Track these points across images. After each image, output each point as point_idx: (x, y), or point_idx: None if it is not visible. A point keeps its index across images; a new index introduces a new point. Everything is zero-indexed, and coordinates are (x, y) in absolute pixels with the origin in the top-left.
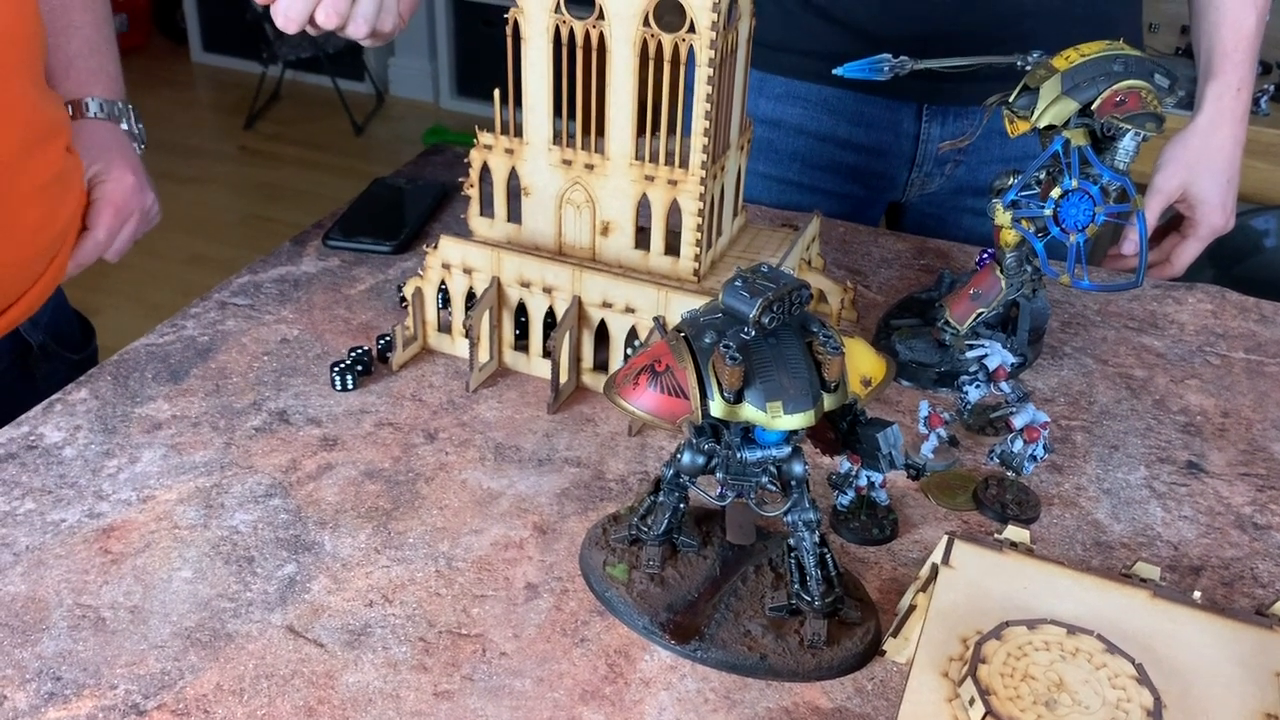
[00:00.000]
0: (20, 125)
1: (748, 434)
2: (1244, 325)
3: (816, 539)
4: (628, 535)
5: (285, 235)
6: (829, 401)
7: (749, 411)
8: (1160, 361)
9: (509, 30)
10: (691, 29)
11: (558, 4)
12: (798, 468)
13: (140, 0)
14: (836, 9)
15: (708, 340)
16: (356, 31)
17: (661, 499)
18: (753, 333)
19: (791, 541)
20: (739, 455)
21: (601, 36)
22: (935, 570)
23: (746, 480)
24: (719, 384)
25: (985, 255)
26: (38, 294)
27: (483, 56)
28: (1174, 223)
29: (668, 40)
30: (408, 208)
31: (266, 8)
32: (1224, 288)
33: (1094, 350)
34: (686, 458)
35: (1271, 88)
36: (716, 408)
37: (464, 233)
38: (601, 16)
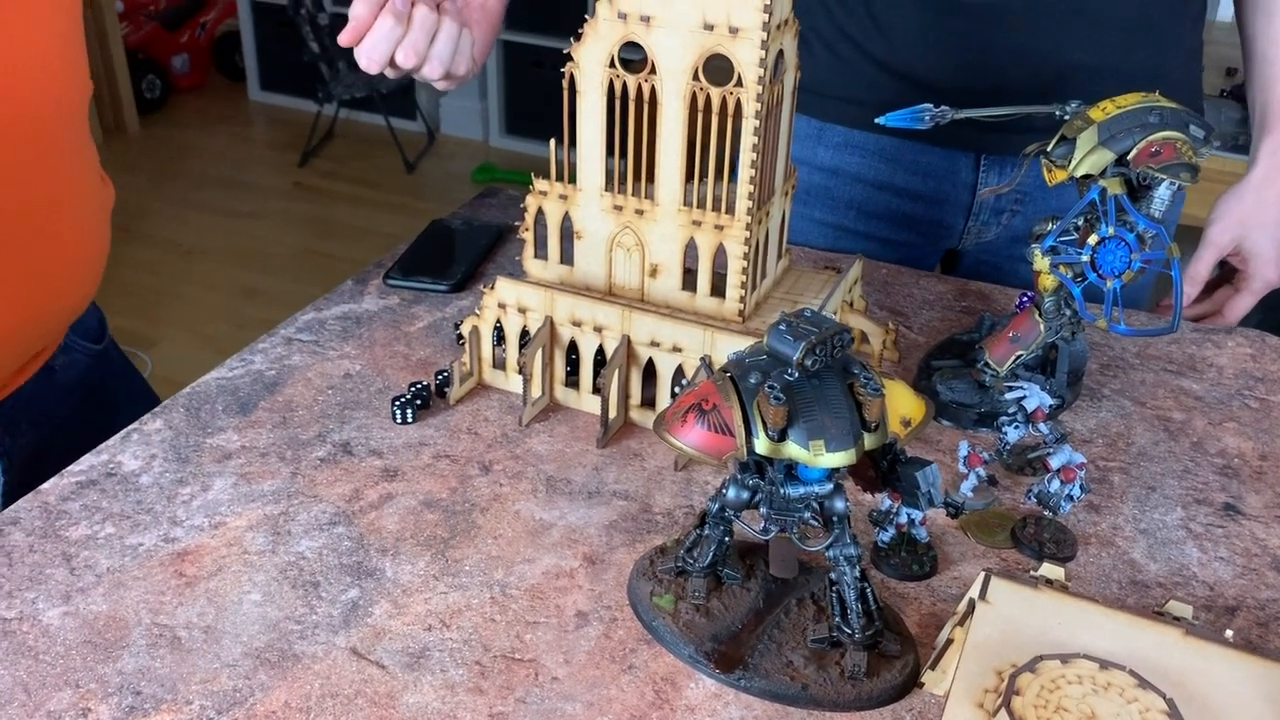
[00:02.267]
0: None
1: (791, 471)
2: None
3: (857, 573)
4: (674, 567)
5: (338, 270)
6: (869, 441)
7: (792, 449)
8: (1199, 404)
9: (565, 83)
10: (739, 83)
11: (612, 59)
12: (839, 504)
13: (200, 41)
14: (895, 60)
15: (753, 380)
16: (432, 72)
17: (707, 532)
18: (796, 374)
19: (833, 575)
20: (782, 491)
21: (653, 90)
22: (972, 605)
23: (789, 515)
24: (764, 422)
25: (1025, 299)
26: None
27: (531, 96)
28: (1227, 275)
29: (716, 93)
30: (464, 248)
31: (325, 50)
32: (1265, 332)
33: (1132, 392)
34: (731, 492)
35: None
36: (761, 445)
37: (518, 273)
38: (654, 71)
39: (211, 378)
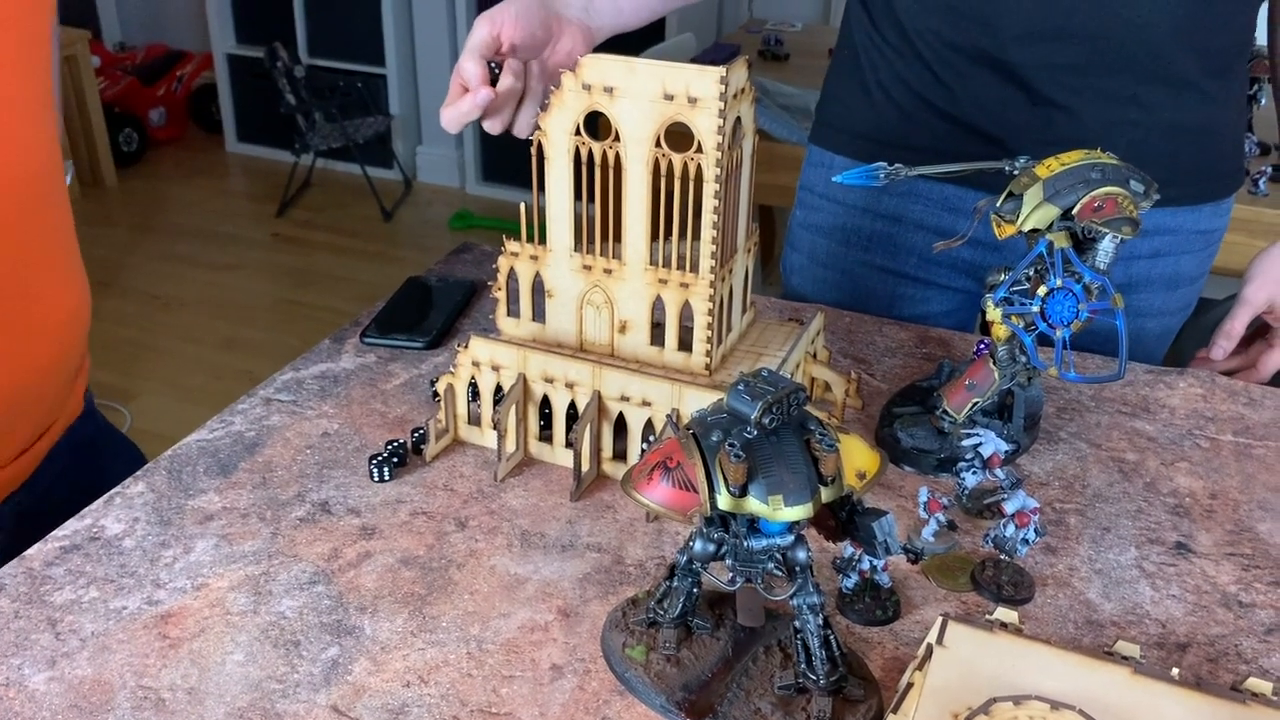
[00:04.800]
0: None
1: (754, 524)
2: (1233, 409)
3: (820, 621)
4: (645, 618)
5: (317, 319)
6: (826, 494)
7: (753, 504)
8: (1151, 445)
9: (533, 150)
10: (699, 149)
11: (577, 128)
12: (801, 554)
13: (177, 95)
14: (957, 109)
15: (714, 438)
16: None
17: (676, 584)
18: (755, 432)
19: (797, 624)
20: (746, 544)
21: (618, 156)
22: (930, 650)
23: (754, 567)
24: (725, 479)
25: (982, 345)
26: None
27: (507, 144)
28: (1260, 331)
29: (678, 159)
30: (439, 305)
31: (302, 102)
32: (1214, 374)
33: (1088, 435)
34: (698, 545)
35: (1269, 169)
36: (723, 501)
37: (491, 329)
38: (617, 138)
39: (193, 440)
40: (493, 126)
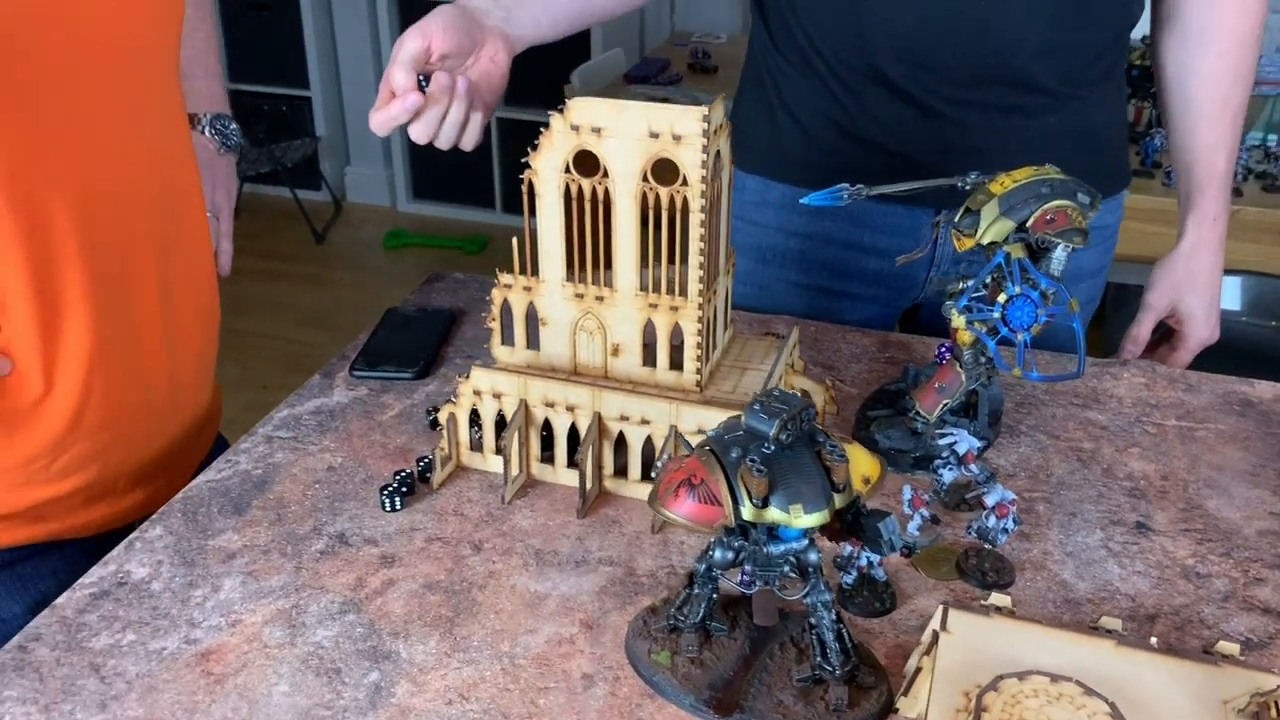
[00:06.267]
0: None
1: (772, 531)
2: (1174, 395)
3: (833, 616)
4: (667, 625)
5: (257, 347)
6: (839, 500)
7: (774, 514)
8: (1104, 433)
9: (525, 188)
10: (684, 182)
11: (567, 165)
12: (813, 556)
13: None
14: (856, 127)
15: (734, 455)
16: (440, 145)
17: (696, 590)
18: (773, 447)
19: (812, 620)
20: (765, 550)
21: (607, 191)
22: (936, 636)
23: (772, 570)
24: (748, 492)
25: (943, 349)
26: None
27: (437, 161)
28: (1165, 334)
29: (664, 192)
30: (422, 335)
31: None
32: (1154, 362)
33: (1046, 427)
34: (718, 554)
35: None
36: (747, 512)
37: (476, 356)
38: (606, 175)
39: (202, 481)
40: (419, 134)
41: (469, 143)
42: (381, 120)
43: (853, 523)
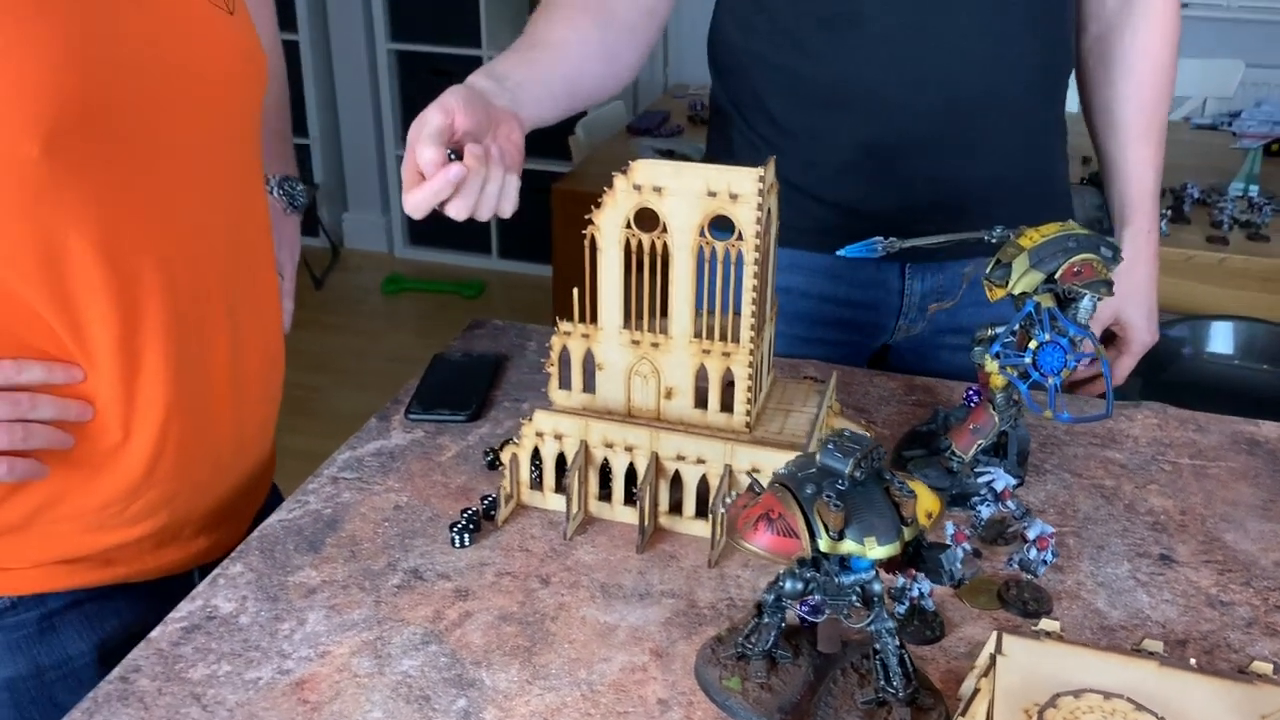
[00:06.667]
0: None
1: (844, 562)
2: (1185, 435)
3: (896, 642)
4: (734, 652)
5: None
6: (908, 533)
7: (849, 545)
8: (1124, 471)
9: (586, 243)
10: (739, 237)
11: (628, 222)
12: (877, 587)
13: None
14: (828, 193)
15: (809, 491)
16: (479, 217)
17: (766, 619)
18: (847, 484)
19: (877, 646)
20: (837, 580)
21: (665, 245)
22: (993, 659)
23: (841, 600)
24: (825, 525)
25: (971, 393)
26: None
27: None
28: (1109, 341)
29: (720, 246)
30: (470, 379)
31: None
32: (1165, 404)
33: (1069, 466)
34: (789, 585)
35: (1169, 211)
36: (824, 544)
37: (523, 398)
38: (665, 229)
39: (275, 520)
40: (460, 209)
41: (508, 209)
42: (422, 199)
43: (914, 554)
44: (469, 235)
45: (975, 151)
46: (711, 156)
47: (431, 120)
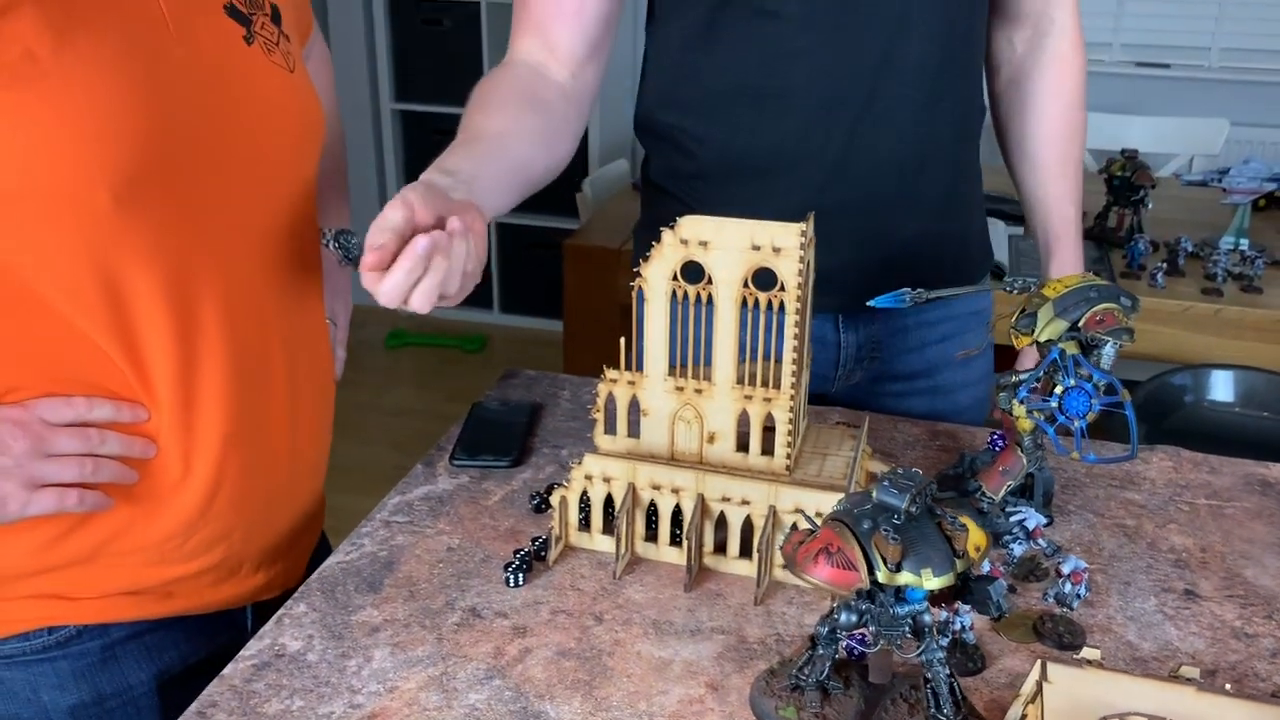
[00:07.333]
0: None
1: (899, 594)
2: (1200, 477)
3: (946, 671)
4: (789, 684)
5: None
6: (960, 565)
7: (906, 577)
8: (1144, 511)
9: (634, 294)
10: (782, 288)
11: (675, 274)
12: (928, 618)
13: None
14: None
15: (866, 526)
16: (446, 304)
17: (820, 651)
18: (903, 519)
19: (928, 674)
20: (892, 611)
21: (710, 296)
22: (1040, 686)
23: (895, 630)
24: (883, 558)
25: (997, 438)
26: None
27: None
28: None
29: (763, 297)
30: (509, 427)
31: None
32: (1178, 448)
33: (1092, 506)
34: (844, 616)
35: (1165, 264)
36: (882, 576)
37: (561, 444)
38: (710, 281)
39: (333, 562)
40: (427, 293)
41: (470, 285)
42: (395, 282)
43: (962, 587)
44: (471, 291)
45: (904, 208)
46: (645, 228)
47: (392, 216)
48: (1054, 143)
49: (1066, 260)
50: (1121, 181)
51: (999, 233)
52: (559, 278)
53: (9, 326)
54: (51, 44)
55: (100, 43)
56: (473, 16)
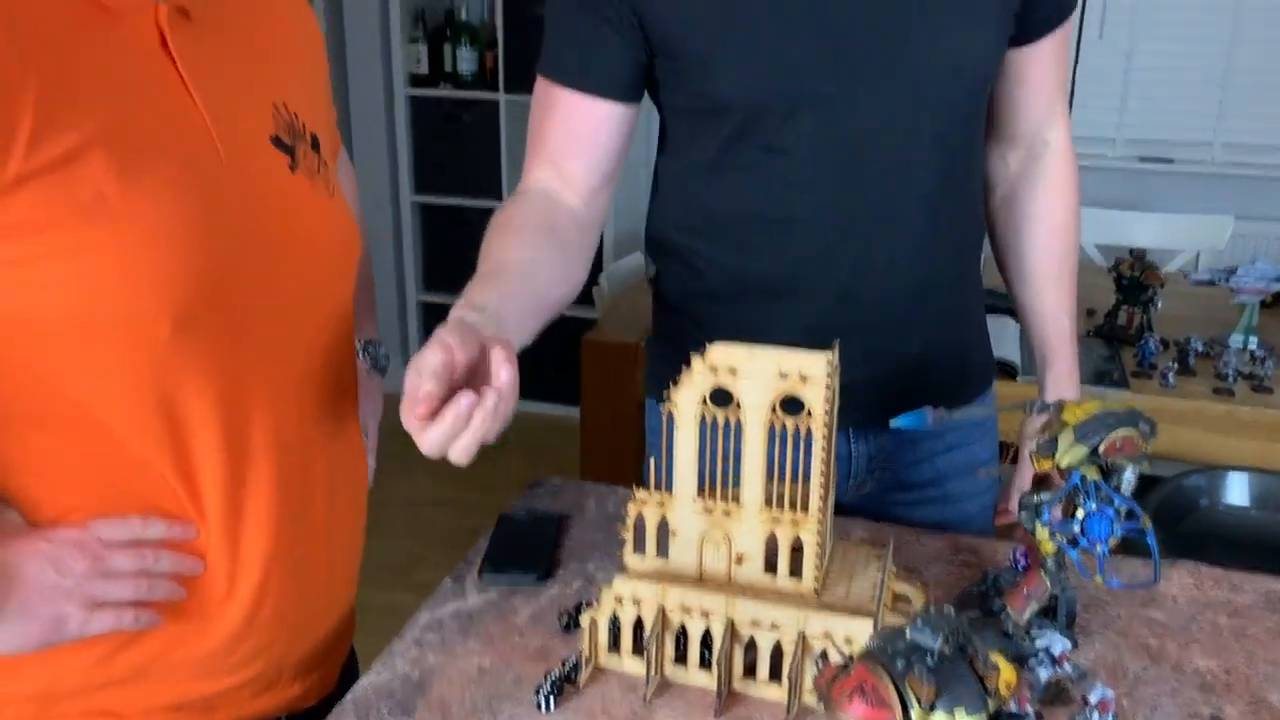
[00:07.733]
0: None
1: None
2: (1221, 594)
3: None
4: None
5: None
6: (991, 704)
7: (940, 717)
8: (1166, 630)
9: (664, 417)
10: (809, 414)
11: (704, 399)
12: None
13: None
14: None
15: (900, 665)
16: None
17: None
18: (936, 659)
19: None
20: None
21: (739, 421)
22: None
23: None
24: (917, 698)
25: (1017, 554)
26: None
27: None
28: (1039, 481)
29: (790, 422)
30: (536, 539)
31: None
32: (1199, 563)
33: (1114, 626)
34: None
35: (1175, 364)
36: (916, 715)
37: (589, 558)
38: (738, 406)
39: (366, 682)
40: (462, 457)
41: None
42: (438, 435)
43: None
44: None
45: (911, 325)
46: (659, 340)
47: (432, 360)
48: (1049, 257)
49: (1062, 371)
50: (1131, 281)
51: (1010, 331)
52: (574, 364)
53: (69, 449)
54: (119, 183)
55: (162, 179)
56: (491, 113)
